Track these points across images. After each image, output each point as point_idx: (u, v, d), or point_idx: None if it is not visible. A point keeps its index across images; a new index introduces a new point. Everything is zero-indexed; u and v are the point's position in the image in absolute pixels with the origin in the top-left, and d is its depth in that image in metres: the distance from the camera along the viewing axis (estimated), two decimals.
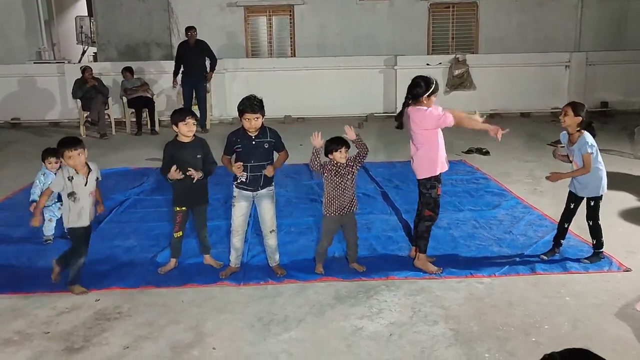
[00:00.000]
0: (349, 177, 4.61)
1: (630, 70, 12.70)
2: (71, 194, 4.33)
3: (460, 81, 12.50)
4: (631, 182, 7.37)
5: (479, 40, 13.79)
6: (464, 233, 5.62)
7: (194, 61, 11.06)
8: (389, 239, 5.51)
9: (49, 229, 5.57)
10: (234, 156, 4.61)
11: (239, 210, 4.65)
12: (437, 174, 4.66)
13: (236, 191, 4.63)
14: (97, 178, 4.51)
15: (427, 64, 12.48)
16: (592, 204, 4.79)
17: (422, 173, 4.66)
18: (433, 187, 4.67)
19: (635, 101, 12.44)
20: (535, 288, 4.44)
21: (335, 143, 4.58)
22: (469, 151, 9.08)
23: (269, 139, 4.54)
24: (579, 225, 5.14)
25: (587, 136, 4.64)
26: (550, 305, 4.17)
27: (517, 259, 4.96)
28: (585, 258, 4.86)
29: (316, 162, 4.54)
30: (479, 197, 6.81)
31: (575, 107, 4.64)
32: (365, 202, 6.63)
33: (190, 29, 11.11)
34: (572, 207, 4.92)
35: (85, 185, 4.38)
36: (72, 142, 4.30)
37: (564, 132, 4.85)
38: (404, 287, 4.48)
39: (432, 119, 4.50)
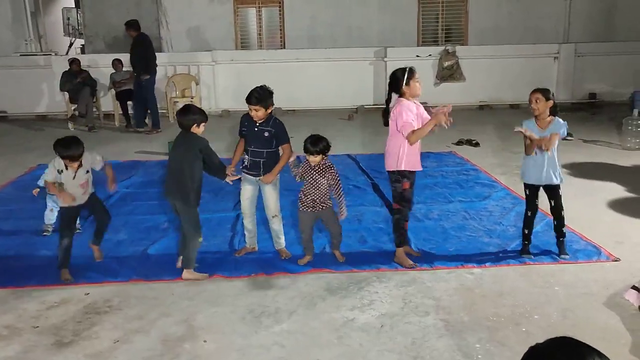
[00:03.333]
0: (322, 179, 4.60)
1: (619, 62, 12.75)
2: (60, 185, 4.51)
3: (450, 73, 12.51)
4: (619, 172, 7.43)
5: (468, 32, 13.79)
6: (454, 224, 5.64)
7: (130, 56, 10.65)
8: (379, 230, 5.52)
9: (49, 218, 5.54)
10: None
11: (245, 193, 4.85)
12: (401, 169, 4.56)
13: (242, 175, 4.80)
14: (88, 171, 4.59)
15: (417, 56, 12.47)
16: (555, 194, 4.68)
17: (387, 165, 4.65)
18: (397, 182, 4.60)
19: (624, 92, 12.50)
20: (525, 278, 4.47)
21: (312, 145, 4.56)
22: (459, 142, 9.11)
23: (269, 128, 4.63)
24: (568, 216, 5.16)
25: (560, 120, 4.62)
26: (540, 295, 4.20)
27: (507, 250, 4.98)
28: (562, 255, 4.79)
29: (294, 171, 4.71)
30: (469, 188, 6.83)
31: (544, 92, 4.64)
32: (355, 194, 6.64)
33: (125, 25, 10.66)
34: (537, 203, 4.79)
35: (74, 178, 4.53)
36: (74, 151, 4.43)
37: (528, 120, 4.73)
38: (394, 279, 4.49)
39: (398, 117, 4.46)
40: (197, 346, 3.61)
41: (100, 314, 4.04)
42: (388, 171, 4.68)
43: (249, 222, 4.93)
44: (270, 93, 4.61)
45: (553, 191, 4.72)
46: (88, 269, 4.72)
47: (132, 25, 10.51)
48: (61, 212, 4.71)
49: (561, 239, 4.84)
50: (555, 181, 4.67)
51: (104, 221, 4.84)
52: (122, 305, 4.15)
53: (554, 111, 4.66)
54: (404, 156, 4.54)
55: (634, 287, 4.07)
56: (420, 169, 4.67)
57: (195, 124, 4.47)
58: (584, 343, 1.52)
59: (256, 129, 4.64)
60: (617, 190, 6.65)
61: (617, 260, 4.74)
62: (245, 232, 5.03)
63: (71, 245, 4.64)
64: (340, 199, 4.67)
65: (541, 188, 4.75)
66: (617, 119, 9.93)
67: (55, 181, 4.50)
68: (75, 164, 4.51)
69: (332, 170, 4.63)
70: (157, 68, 10.74)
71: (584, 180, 7.05)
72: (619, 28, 13.61)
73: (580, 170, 7.48)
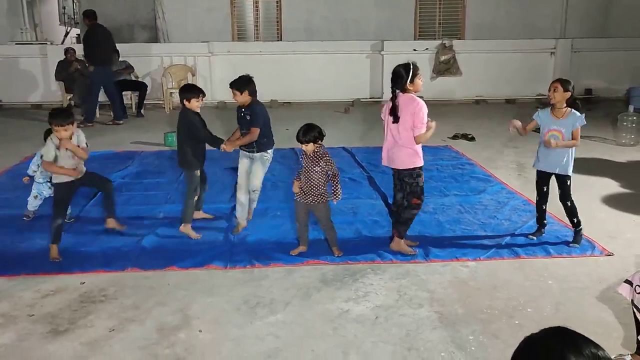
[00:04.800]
0: (316, 167, 4.59)
1: (615, 58, 12.79)
2: (55, 158, 4.70)
3: (446, 67, 12.52)
4: (613, 168, 7.47)
5: (465, 26, 13.80)
6: (449, 217, 5.66)
7: (83, 45, 10.48)
8: (375, 223, 5.54)
9: (32, 205, 5.57)
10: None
11: (241, 167, 5.35)
12: (420, 165, 4.63)
13: (240, 151, 5.32)
14: (78, 145, 4.75)
15: (414, 50, 12.47)
16: (568, 183, 4.84)
17: (408, 163, 4.61)
18: (419, 176, 4.64)
19: (619, 88, 12.55)
20: (519, 272, 4.50)
21: (302, 135, 4.57)
22: (455, 137, 9.13)
23: (248, 112, 5.15)
24: (560, 210, 5.18)
25: (576, 112, 4.71)
26: (533, 288, 4.22)
27: (502, 243, 5.01)
28: (571, 243, 4.92)
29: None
30: (464, 182, 6.85)
31: (564, 83, 4.74)
32: (351, 187, 6.65)
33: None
34: (545, 189, 5.01)
35: (67, 150, 4.71)
36: (61, 117, 4.66)
37: (543, 109, 4.89)
38: (389, 271, 4.51)
39: (415, 117, 4.47)
40: (192, 335, 3.63)
41: (96, 302, 4.04)
42: (407, 169, 4.64)
43: (242, 194, 5.32)
44: (248, 80, 5.15)
45: (559, 181, 4.87)
46: (84, 259, 4.72)
47: (87, 15, 10.44)
48: (55, 191, 4.87)
49: (575, 229, 4.95)
50: (561, 171, 4.81)
51: (106, 188, 5.09)
52: (118, 294, 4.16)
53: (573, 104, 4.75)
54: (421, 151, 4.62)
55: (626, 281, 4.09)
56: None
57: (186, 100, 5.11)
58: (580, 333, 1.54)
59: (241, 114, 5.20)
60: (612, 186, 6.68)
61: (610, 254, 4.78)
62: (238, 207, 5.34)
63: (63, 225, 4.83)
64: (337, 185, 4.66)
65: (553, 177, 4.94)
66: (612, 115, 9.96)
67: (54, 160, 4.67)
68: (68, 133, 4.65)
69: (327, 157, 4.60)
70: (109, 61, 10.47)
71: (578, 175, 7.00)
72: (616, 24, 13.64)
73: (575, 165, 7.41)
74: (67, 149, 4.67)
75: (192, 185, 5.21)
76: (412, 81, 4.49)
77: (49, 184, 5.47)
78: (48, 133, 5.41)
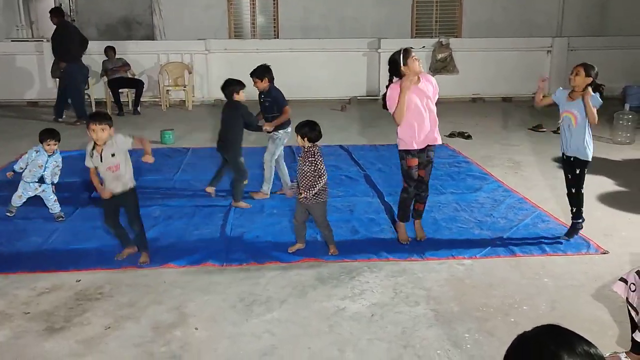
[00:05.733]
0: (304, 165, 4.58)
1: (611, 56, 12.77)
2: (96, 167, 4.47)
3: (443, 65, 12.52)
4: (609, 166, 7.47)
5: (462, 24, 13.80)
6: (445, 215, 5.66)
7: (51, 42, 10.34)
8: (371, 221, 5.54)
9: (15, 202, 5.54)
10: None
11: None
12: (401, 149, 4.75)
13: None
14: (113, 155, 4.40)
15: (411, 47, 12.44)
16: (577, 171, 4.77)
17: (398, 144, 4.81)
18: (402, 159, 4.79)
19: (616, 87, 12.51)
20: (514, 270, 4.51)
21: (297, 127, 4.62)
22: (451, 135, 9.13)
23: (268, 98, 5.88)
24: (553, 208, 5.20)
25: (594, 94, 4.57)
26: (529, 286, 4.23)
27: (498, 242, 5.01)
28: (563, 236, 4.93)
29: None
30: (460, 180, 6.86)
31: (587, 68, 4.60)
32: (347, 185, 6.65)
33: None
34: (569, 177, 4.90)
35: (101, 161, 4.40)
36: (99, 117, 4.39)
37: (564, 89, 4.81)
38: (385, 269, 4.51)
39: (389, 98, 4.64)
40: (188, 333, 3.63)
41: (92, 300, 4.04)
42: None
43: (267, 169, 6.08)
44: (266, 68, 5.87)
45: (576, 165, 4.77)
46: (79, 256, 4.72)
47: (53, 11, 10.29)
48: (102, 205, 4.68)
49: (573, 220, 4.91)
50: (580, 156, 4.73)
51: (132, 229, 4.67)
52: (114, 292, 4.16)
53: (597, 90, 4.61)
54: (399, 136, 4.73)
55: (621, 279, 4.10)
56: (415, 147, 4.69)
57: (235, 92, 5.72)
58: (572, 331, 1.54)
59: (261, 100, 5.93)
60: (607, 184, 6.69)
61: (605, 252, 4.79)
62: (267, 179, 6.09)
63: (122, 232, 4.68)
64: (314, 185, 4.54)
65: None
66: (608, 114, 9.95)
67: (96, 167, 4.44)
68: (104, 135, 4.31)
69: (313, 159, 4.54)
70: (80, 58, 10.31)
71: None
72: (612, 23, 13.65)
73: None
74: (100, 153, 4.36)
75: (241, 170, 5.79)
76: (405, 64, 4.58)
77: (36, 184, 5.47)
78: (42, 135, 5.41)
